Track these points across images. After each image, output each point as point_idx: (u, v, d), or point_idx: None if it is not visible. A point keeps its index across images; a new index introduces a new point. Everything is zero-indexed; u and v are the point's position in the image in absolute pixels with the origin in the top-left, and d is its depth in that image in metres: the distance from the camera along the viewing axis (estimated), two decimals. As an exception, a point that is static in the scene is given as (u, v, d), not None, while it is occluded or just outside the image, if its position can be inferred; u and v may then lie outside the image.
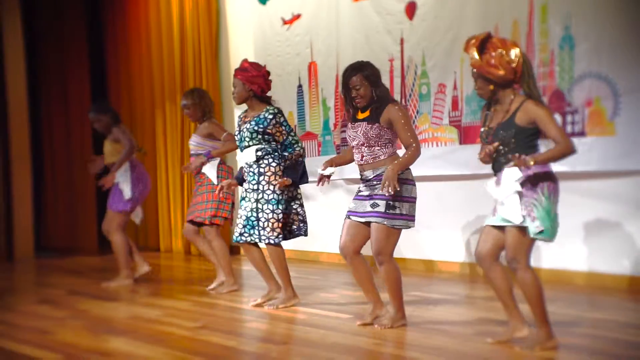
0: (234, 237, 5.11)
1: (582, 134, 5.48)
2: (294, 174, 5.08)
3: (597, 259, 5.55)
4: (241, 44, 8.66)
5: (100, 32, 10.60)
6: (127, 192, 6.42)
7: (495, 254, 3.78)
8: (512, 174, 3.59)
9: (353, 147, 4.33)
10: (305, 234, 5.19)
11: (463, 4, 6.21)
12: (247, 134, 5.05)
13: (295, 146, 5.13)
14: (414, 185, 4.24)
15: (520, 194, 3.61)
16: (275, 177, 5.02)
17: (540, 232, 3.57)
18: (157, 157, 9.49)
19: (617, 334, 4.03)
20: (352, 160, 4.48)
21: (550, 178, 3.64)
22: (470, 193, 6.20)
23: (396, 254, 4.36)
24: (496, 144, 3.66)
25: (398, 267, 4.28)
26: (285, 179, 5.01)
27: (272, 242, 5.00)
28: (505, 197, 3.64)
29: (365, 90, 4.22)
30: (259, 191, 5.02)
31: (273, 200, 4.99)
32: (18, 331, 4.69)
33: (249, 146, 5.07)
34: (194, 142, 5.98)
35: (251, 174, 5.08)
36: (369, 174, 4.26)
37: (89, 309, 5.37)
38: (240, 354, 3.89)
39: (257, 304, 5.17)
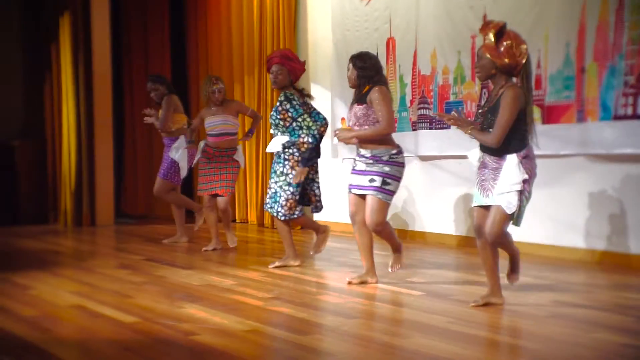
0: (273, 212, 5.68)
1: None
2: (303, 160, 5.50)
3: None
4: (319, 19, 8.64)
5: (182, 8, 10.75)
6: (184, 169, 7.01)
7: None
8: (512, 160, 4.01)
9: (350, 127, 4.91)
10: (319, 211, 5.80)
11: (550, -21, 6.01)
12: (271, 120, 5.59)
13: (299, 132, 5.50)
14: (403, 167, 4.88)
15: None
16: (297, 164, 5.53)
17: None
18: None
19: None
20: None
21: None
22: (550, 173, 6.05)
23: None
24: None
25: (392, 227, 5.00)
26: (300, 169, 5.47)
27: (283, 217, 5.58)
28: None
29: (351, 75, 4.91)
30: (284, 174, 5.53)
31: (294, 184, 5.51)
32: (99, 293, 4.86)
33: (277, 133, 5.57)
34: (223, 121, 6.71)
35: (279, 157, 5.59)
36: (366, 152, 4.84)
37: (166, 275, 5.52)
38: (311, 325, 3.92)
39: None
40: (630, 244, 5.59)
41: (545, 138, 5.99)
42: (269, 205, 5.68)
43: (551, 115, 6.03)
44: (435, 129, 7.12)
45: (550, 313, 4.05)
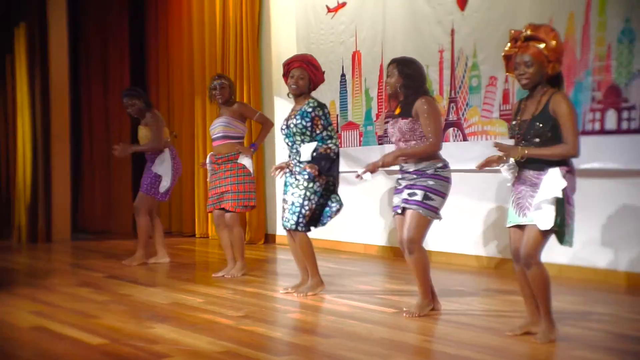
0: (284, 223, 5.10)
1: (638, 131, 5.30)
2: (320, 165, 5.02)
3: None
4: (283, 32, 8.58)
5: (142, 17, 10.60)
6: (166, 183, 6.64)
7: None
8: (555, 173, 3.60)
9: (392, 142, 4.55)
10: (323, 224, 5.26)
11: (517, -5, 6.04)
12: (295, 129, 5.04)
13: (328, 141, 5.08)
14: (449, 183, 4.40)
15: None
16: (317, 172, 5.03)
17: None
18: (195, 144, 9.45)
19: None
20: None
21: None
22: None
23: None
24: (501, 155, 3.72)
25: (427, 255, 4.43)
26: (314, 166, 5.01)
27: (302, 229, 5.06)
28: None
29: (391, 80, 4.42)
30: (309, 180, 5.02)
31: (318, 192, 5.05)
32: (61, 313, 4.66)
33: (299, 141, 5.06)
34: (224, 123, 5.99)
35: (299, 166, 5.09)
36: (410, 166, 4.39)
37: (130, 293, 5.34)
38: (287, 345, 3.80)
39: (287, 292, 5.22)
40: (597, 259, 5.61)
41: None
42: (287, 220, 5.06)
43: (519, 130, 6.03)
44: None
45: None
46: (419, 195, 4.31)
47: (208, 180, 6.23)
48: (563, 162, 3.61)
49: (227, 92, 6.03)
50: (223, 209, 5.97)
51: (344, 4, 7.75)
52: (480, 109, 6.30)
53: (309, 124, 5.02)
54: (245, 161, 5.95)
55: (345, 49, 7.69)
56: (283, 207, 5.17)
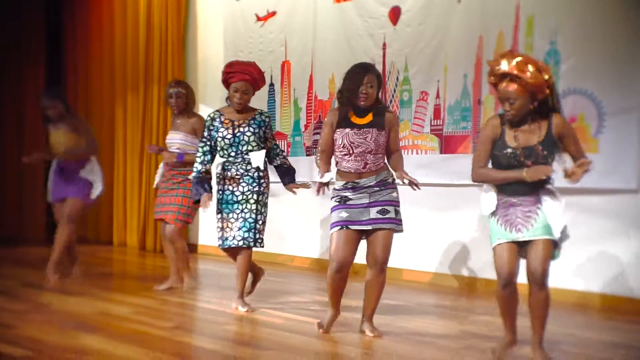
0: (228, 242, 4.83)
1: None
2: (292, 178, 4.97)
3: (576, 276, 5.53)
4: (211, 38, 8.45)
5: (59, 19, 10.18)
6: (99, 188, 6.21)
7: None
8: (550, 189, 3.63)
9: (352, 153, 4.11)
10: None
11: (448, 12, 6.16)
12: (251, 138, 4.83)
13: (278, 151, 5.03)
14: None
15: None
16: (268, 181, 4.93)
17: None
18: (115, 150, 9.17)
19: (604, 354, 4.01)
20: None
21: None
22: (447, 202, 6.15)
23: (361, 261, 4.31)
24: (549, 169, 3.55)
25: None
26: (304, 183, 4.95)
27: (261, 246, 4.88)
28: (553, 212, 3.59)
29: (373, 92, 4.10)
30: (260, 193, 4.85)
31: (267, 205, 4.92)
32: (-23, 324, 4.39)
33: (250, 150, 4.84)
34: (180, 140, 5.67)
35: (251, 177, 4.85)
36: (370, 180, 4.12)
37: (50, 302, 5.09)
38: (228, 358, 3.69)
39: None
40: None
41: (442, 168, 6.13)
42: (241, 239, 4.78)
43: (449, 145, 6.14)
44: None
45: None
46: (391, 212, 4.10)
47: (156, 186, 5.87)
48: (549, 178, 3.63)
49: (182, 101, 5.71)
50: (162, 219, 5.69)
51: (273, 13, 7.70)
52: (411, 123, 6.37)
53: (264, 134, 4.90)
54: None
55: (275, 59, 7.63)
56: (223, 225, 4.87)
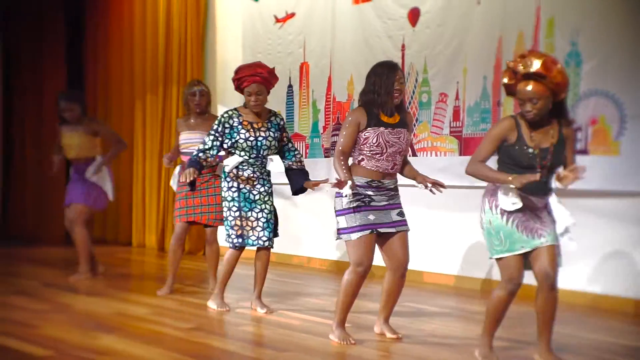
0: (251, 242, 4.83)
1: (584, 152, 5.42)
2: (307, 177, 4.93)
3: (597, 280, 5.47)
4: (229, 40, 8.47)
5: (79, 21, 10.25)
6: (110, 191, 6.23)
7: None
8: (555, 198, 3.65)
9: (384, 153, 3.99)
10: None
11: (468, 13, 6.13)
12: (272, 142, 4.83)
13: (295, 152, 4.99)
14: None
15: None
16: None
17: None
18: (134, 150, 9.22)
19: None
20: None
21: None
22: (468, 204, 6.11)
23: (379, 263, 4.29)
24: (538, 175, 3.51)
25: None
26: (317, 181, 4.85)
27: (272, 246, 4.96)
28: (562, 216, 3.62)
29: (404, 88, 4.08)
30: (272, 194, 4.94)
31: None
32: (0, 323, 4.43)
33: (268, 155, 4.86)
34: (199, 140, 5.37)
35: (264, 179, 4.89)
36: (392, 183, 4.10)
37: (71, 302, 5.14)
38: (244, 359, 3.70)
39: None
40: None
41: (462, 170, 6.08)
42: (270, 238, 4.89)
43: (468, 147, 6.10)
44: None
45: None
46: (404, 214, 4.12)
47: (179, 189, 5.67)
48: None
49: (205, 100, 5.70)
50: (195, 222, 5.57)
51: (292, 15, 7.71)
52: (430, 125, 6.35)
53: (280, 136, 4.92)
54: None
55: (293, 60, 7.64)
56: (242, 224, 4.83)
